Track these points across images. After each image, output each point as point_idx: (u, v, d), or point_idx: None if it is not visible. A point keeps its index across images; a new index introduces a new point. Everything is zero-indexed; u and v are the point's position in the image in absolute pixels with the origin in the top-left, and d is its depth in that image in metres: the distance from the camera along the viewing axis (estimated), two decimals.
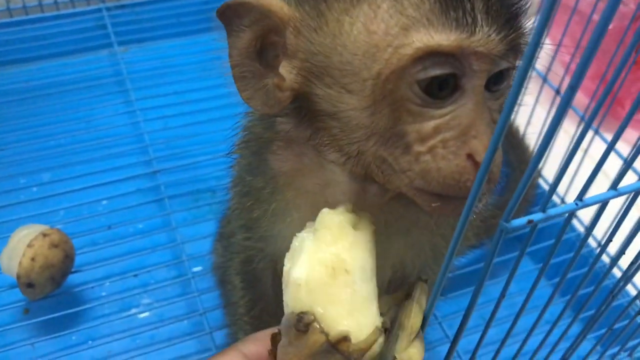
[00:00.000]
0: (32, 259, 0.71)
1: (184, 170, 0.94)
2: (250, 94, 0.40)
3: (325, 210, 0.38)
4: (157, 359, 0.75)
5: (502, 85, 0.38)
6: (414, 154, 0.37)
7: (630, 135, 1.00)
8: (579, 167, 0.81)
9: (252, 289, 0.56)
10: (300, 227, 0.48)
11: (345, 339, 0.34)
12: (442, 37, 0.34)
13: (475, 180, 0.29)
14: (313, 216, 0.47)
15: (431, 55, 0.35)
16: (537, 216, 0.32)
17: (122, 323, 0.78)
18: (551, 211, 0.33)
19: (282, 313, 0.58)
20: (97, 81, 1.10)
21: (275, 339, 0.38)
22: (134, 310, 0.80)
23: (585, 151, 0.80)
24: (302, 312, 0.35)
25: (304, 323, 0.34)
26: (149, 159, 0.95)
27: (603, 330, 0.55)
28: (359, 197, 0.43)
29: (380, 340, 0.36)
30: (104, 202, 0.91)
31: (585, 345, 0.57)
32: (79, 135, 0.99)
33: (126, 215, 0.88)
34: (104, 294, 0.81)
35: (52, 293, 0.76)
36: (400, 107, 0.36)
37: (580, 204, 0.34)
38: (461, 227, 0.32)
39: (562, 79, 0.81)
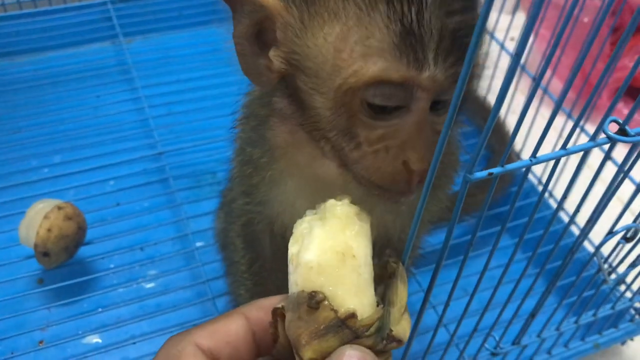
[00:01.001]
0: (49, 230, 0.77)
1: (187, 153, 0.99)
2: (247, 68, 0.46)
3: (332, 201, 0.42)
4: (162, 323, 0.80)
5: (445, 105, 0.45)
6: (362, 152, 0.44)
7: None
8: (554, 148, 0.88)
9: (252, 248, 0.62)
10: (294, 194, 0.54)
11: (353, 315, 0.38)
12: (393, 70, 0.40)
13: (426, 178, 0.36)
14: (304, 185, 0.53)
15: (382, 82, 0.41)
16: (496, 170, 0.38)
17: (130, 292, 0.84)
18: (509, 166, 0.39)
19: (279, 269, 0.64)
20: (103, 70, 1.16)
21: (275, 313, 0.41)
22: (140, 280, 0.85)
23: (560, 134, 0.87)
24: (313, 291, 0.38)
25: (315, 301, 0.38)
26: (154, 142, 1.01)
27: (572, 298, 0.61)
28: (340, 170, 0.49)
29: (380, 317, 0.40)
30: (112, 181, 0.96)
31: (551, 309, 0.63)
32: (87, 120, 1.05)
33: (133, 194, 0.94)
34: (112, 265, 0.87)
35: (65, 263, 0.82)
36: (353, 115, 0.43)
37: (534, 160, 0.40)
38: (420, 210, 0.38)
39: (539, 67, 0.87)
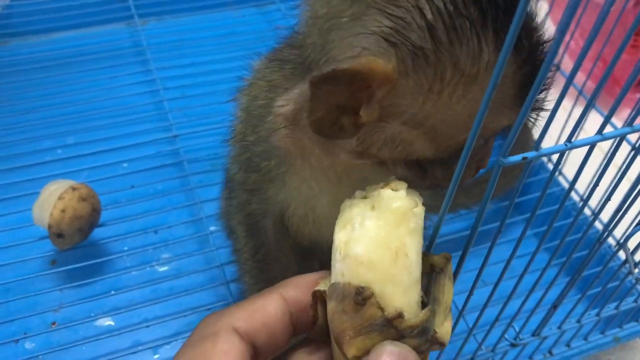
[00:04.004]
0: (63, 211, 0.76)
1: (201, 136, 0.98)
2: (321, 128, 0.42)
3: (388, 192, 0.39)
4: (176, 307, 0.80)
5: None
6: (450, 172, 0.44)
7: (624, 113, 1.05)
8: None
9: (255, 237, 0.61)
10: (310, 193, 0.52)
11: (399, 315, 0.36)
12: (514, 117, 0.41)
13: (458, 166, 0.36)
14: (323, 183, 0.51)
15: None
16: (531, 154, 0.37)
17: (143, 275, 0.84)
18: (544, 150, 0.38)
19: (284, 255, 0.62)
20: (118, 52, 1.15)
21: (315, 296, 0.40)
22: (154, 264, 0.85)
23: (581, 127, 0.85)
24: (361, 287, 0.37)
25: (362, 297, 0.36)
26: (169, 125, 1.00)
27: (594, 290, 0.60)
28: (358, 162, 0.47)
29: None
30: (125, 164, 0.95)
31: (572, 303, 0.62)
32: (101, 102, 1.04)
33: (147, 176, 0.93)
34: (126, 248, 0.86)
35: (79, 244, 0.81)
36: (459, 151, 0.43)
37: (569, 145, 0.39)
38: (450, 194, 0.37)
39: (562, 56, 0.86)
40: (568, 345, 0.70)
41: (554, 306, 0.58)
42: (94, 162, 0.94)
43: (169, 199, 0.91)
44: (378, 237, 0.37)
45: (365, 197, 0.40)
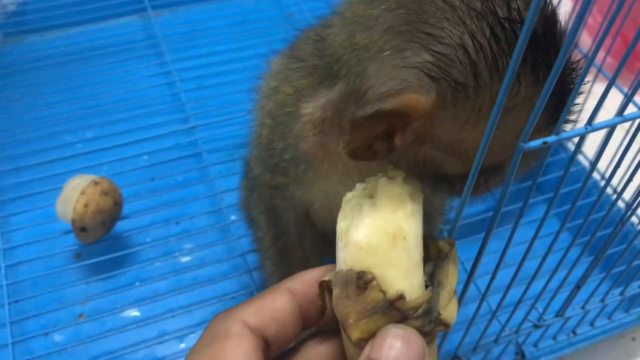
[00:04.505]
0: (85, 205, 0.77)
1: (219, 126, 0.99)
2: (356, 154, 0.42)
3: (384, 180, 0.41)
4: (200, 296, 0.81)
5: None
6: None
7: None
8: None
9: (276, 226, 0.62)
10: (335, 191, 0.53)
11: (401, 297, 0.37)
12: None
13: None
14: (347, 181, 0.52)
15: None
16: (551, 138, 0.37)
17: (166, 266, 0.85)
18: (564, 134, 0.38)
19: (306, 244, 0.63)
20: (133, 44, 1.15)
21: (322, 286, 0.41)
22: (177, 254, 0.86)
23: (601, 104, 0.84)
24: (362, 272, 0.38)
25: (364, 281, 0.37)
26: (186, 116, 1.00)
27: (617, 269, 0.60)
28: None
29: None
30: (145, 156, 0.96)
31: (595, 282, 0.62)
32: (119, 95, 1.05)
33: (167, 168, 0.94)
34: (148, 239, 0.87)
35: (102, 238, 0.82)
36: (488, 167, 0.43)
37: (589, 127, 0.39)
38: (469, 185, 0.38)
39: (580, 33, 0.85)
40: (592, 324, 0.70)
41: (578, 286, 0.58)
42: (114, 156, 0.95)
43: (189, 190, 0.92)
44: (376, 222, 0.39)
45: (365, 189, 0.42)
